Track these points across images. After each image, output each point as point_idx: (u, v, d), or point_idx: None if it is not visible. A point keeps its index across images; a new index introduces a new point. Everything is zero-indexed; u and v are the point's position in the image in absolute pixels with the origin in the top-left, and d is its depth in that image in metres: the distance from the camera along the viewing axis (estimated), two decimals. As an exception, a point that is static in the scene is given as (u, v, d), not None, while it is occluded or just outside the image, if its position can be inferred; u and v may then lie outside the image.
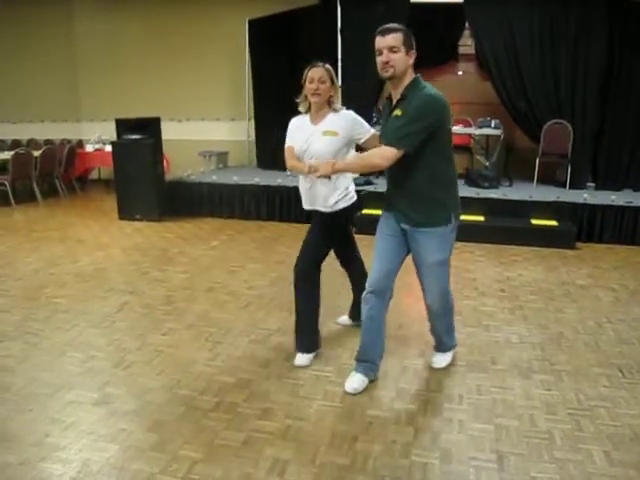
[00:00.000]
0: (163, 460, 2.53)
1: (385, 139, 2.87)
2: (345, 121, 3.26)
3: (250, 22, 8.94)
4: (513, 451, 2.58)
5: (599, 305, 4.52)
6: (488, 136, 8.22)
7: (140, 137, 7.42)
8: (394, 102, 2.85)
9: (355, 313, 3.77)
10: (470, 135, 8.54)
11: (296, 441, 2.67)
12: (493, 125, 7.76)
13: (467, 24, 8.27)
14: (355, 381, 3.13)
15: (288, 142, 3.34)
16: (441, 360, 3.44)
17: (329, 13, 7.80)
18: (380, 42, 2.77)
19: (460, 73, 9.87)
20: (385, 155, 2.76)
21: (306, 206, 3.46)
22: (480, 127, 7.92)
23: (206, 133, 10.21)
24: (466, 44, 9.15)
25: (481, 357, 3.56)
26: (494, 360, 3.52)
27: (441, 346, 3.45)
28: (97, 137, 10.03)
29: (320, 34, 7.95)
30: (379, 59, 2.78)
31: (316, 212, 3.41)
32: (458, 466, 2.48)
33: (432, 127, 2.73)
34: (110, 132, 8.41)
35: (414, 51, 2.79)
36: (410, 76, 2.79)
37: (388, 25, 2.79)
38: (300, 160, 3.27)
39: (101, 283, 5.01)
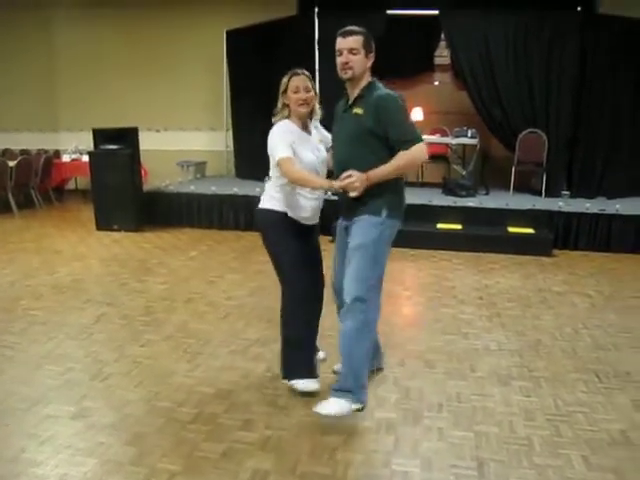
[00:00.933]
0: (141, 474, 2.50)
1: (343, 136, 2.95)
2: (319, 129, 3.24)
3: (228, 32, 8.95)
4: (493, 457, 2.60)
5: (575, 311, 4.59)
6: (465, 145, 8.32)
7: (118, 147, 7.38)
8: (351, 101, 2.92)
9: None
10: (447, 144, 8.63)
11: (276, 451, 2.66)
12: (469, 134, 7.86)
13: (443, 35, 8.39)
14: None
15: (286, 153, 2.92)
16: (327, 405, 2.83)
17: (306, 24, 7.85)
18: (341, 43, 2.85)
19: (436, 83, 10.00)
20: (422, 149, 2.78)
21: (309, 222, 3.17)
22: (457, 136, 8.02)
23: (184, 143, 10.17)
24: (442, 55, 9.28)
25: (460, 365, 3.58)
26: (473, 368, 3.54)
27: (339, 383, 2.91)
28: (74, 147, 9.93)
29: (298, 45, 7.98)
30: (339, 60, 2.85)
31: (311, 227, 3.22)
32: (439, 474, 2.49)
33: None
34: (88, 142, 8.35)
35: (373, 54, 2.88)
36: (367, 78, 2.89)
37: (349, 27, 2.87)
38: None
39: (78, 294, 4.95)
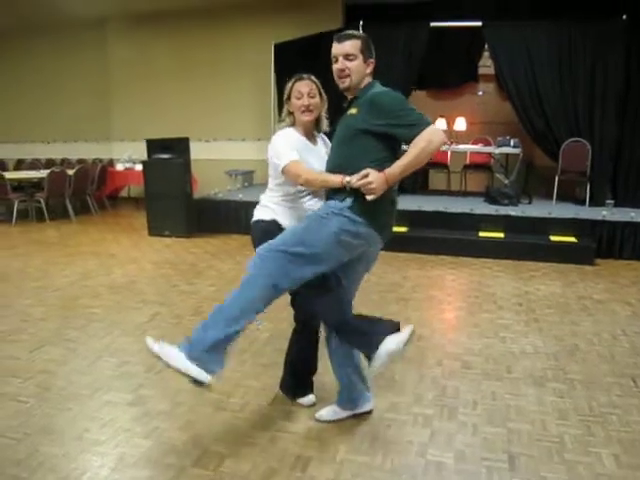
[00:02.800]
0: (194, 455, 2.71)
1: (336, 139, 2.71)
2: (327, 144, 3.00)
3: (276, 45, 9.24)
4: (524, 452, 2.72)
5: (615, 318, 4.63)
6: (507, 155, 8.36)
7: (170, 157, 7.72)
8: (348, 102, 2.72)
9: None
10: (490, 154, 8.69)
11: (318, 440, 2.83)
12: (512, 144, 7.91)
13: (486, 45, 8.48)
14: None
15: (293, 156, 2.72)
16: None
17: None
18: (336, 49, 2.63)
19: (480, 93, 10.07)
20: (435, 131, 2.46)
21: None
22: (500, 146, 8.08)
23: (232, 153, 10.50)
24: (486, 65, 9.35)
25: (496, 366, 3.69)
26: (509, 369, 3.65)
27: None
28: (127, 156, 10.39)
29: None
30: (334, 67, 2.64)
31: None
32: (471, 465, 2.63)
33: None
34: (140, 152, 8.76)
35: (373, 60, 2.66)
36: (367, 82, 2.66)
37: (346, 31, 2.67)
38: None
39: (133, 295, 5.25)
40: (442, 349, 3.96)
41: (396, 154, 2.60)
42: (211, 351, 2.56)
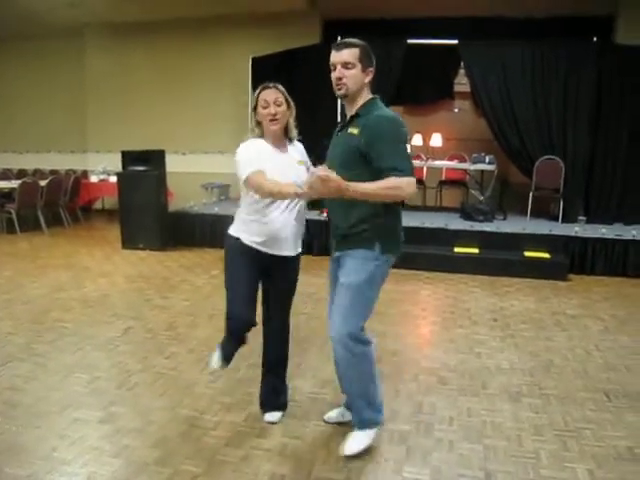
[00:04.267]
0: (165, 474, 2.65)
1: (335, 158, 2.68)
2: (303, 153, 3.01)
3: (254, 59, 9.25)
4: (500, 469, 2.70)
5: (588, 333, 4.67)
6: (483, 171, 8.45)
7: (145, 169, 7.64)
8: (347, 119, 2.69)
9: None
10: (465, 170, 8.77)
11: (292, 457, 2.79)
12: (487, 161, 8.01)
13: (462, 63, 8.60)
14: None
15: (253, 167, 2.70)
16: (352, 444, 2.81)
17: (329, 51, 8.09)
18: (334, 57, 2.61)
19: (456, 110, 10.20)
20: (412, 184, 2.51)
21: (273, 251, 2.87)
22: (475, 163, 8.16)
23: (208, 166, 10.43)
24: (461, 82, 9.47)
25: (472, 382, 3.69)
26: (485, 385, 3.65)
27: (355, 417, 2.90)
28: (102, 168, 10.26)
29: (321, 72, 8.22)
30: (332, 75, 2.63)
31: (281, 259, 2.91)
32: (447, 482, 2.61)
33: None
34: (115, 163, 8.64)
35: (372, 69, 2.64)
36: (367, 95, 2.66)
37: (345, 39, 2.64)
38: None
39: (105, 309, 5.15)
40: (417, 364, 3.95)
41: None
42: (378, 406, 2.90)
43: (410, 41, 7.70)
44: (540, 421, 3.18)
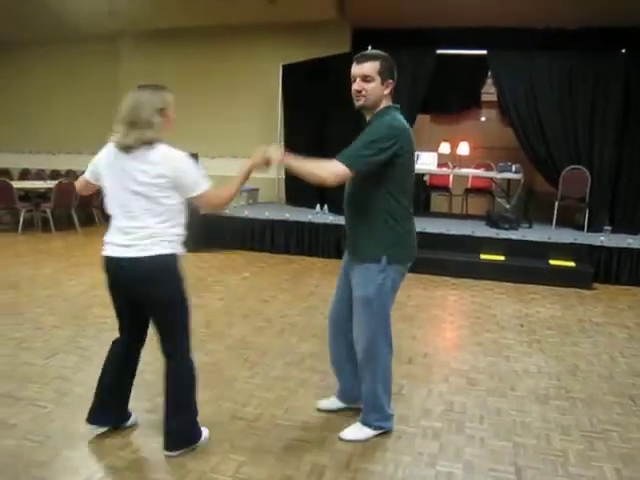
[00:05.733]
0: (212, 462, 2.81)
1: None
2: None
3: (284, 67, 9.45)
4: (530, 465, 2.84)
5: (613, 341, 4.77)
6: (509, 180, 8.55)
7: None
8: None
9: None
10: (491, 178, 8.88)
11: (332, 449, 2.94)
12: (514, 169, 8.10)
13: (490, 73, 8.72)
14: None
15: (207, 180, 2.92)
16: (350, 431, 3.04)
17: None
18: (355, 70, 2.70)
19: (483, 119, 10.29)
20: (335, 171, 2.59)
21: None
22: (501, 171, 8.26)
23: (237, 170, 10.61)
24: (489, 92, 9.58)
25: (501, 384, 3.82)
26: (513, 387, 3.78)
27: (365, 415, 3.07)
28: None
29: (350, 80, 8.42)
30: (353, 86, 2.71)
31: None
32: (479, 476, 2.74)
33: (389, 153, 2.60)
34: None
35: (392, 81, 2.71)
36: (385, 104, 2.73)
37: (367, 52, 2.73)
38: None
39: (143, 306, 5.34)
40: (448, 366, 4.09)
41: (399, 177, 2.71)
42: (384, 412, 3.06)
43: (439, 51, 7.83)
44: (567, 422, 3.30)
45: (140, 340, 3.08)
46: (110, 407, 3.04)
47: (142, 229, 2.68)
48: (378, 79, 2.68)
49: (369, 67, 2.68)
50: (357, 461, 2.84)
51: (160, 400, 3.43)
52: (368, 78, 2.67)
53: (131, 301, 2.86)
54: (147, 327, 3.01)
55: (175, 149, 2.76)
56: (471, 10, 8.26)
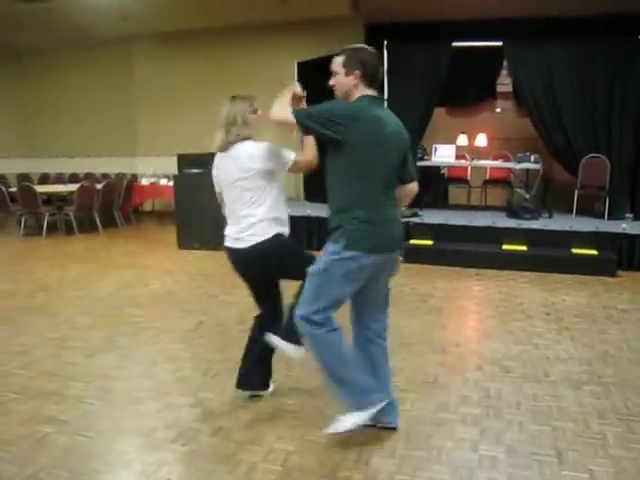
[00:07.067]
0: (261, 452, 2.90)
1: None
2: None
3: (299, 64, 9.51)
4: (570, 448, 2.90)
5: (641, 327, 4.83)
6: (527, 170, 8.57)
7: (200, 171, 7.96)
8: None
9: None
10: (510, 169, 8.91)
11: (375, 437, 3.02)
12: (532, 160, 8.13)
13: (505, 64, 8.74)
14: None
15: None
16: (333, 425, 2.94)
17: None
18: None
19: (498, 110, 10.31)
20: (277, 116, 2.87)
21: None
22: (520, 162, 8.28)
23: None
24: (504, 82, 9.60)
25: (534, 370, 3.89)
26: (546, 373, 3.84)
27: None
28: (153, 171, 10.66)
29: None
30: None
31: None
32: (522, 459, 2.81)
33: (328, 131, 2.73)
34: (164, 166, 9.00)
35: (359, 72, 2.79)
36: (359, 94, 2.83)
37: (341, 49, 2.90)
38: None
39: (174, 304, 5.47)
40: (480, 354, 4.17)
41: (360, 166, 2.77)
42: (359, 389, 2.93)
43: (455, 44, 7.87)
44: (602, 406, 3.36)
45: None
46: (253, 374, 3.42)
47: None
48: (342, 71, 2.83)
49: (335, 62, 2.88)
50: (402, 448, 2.92)
51: (202, 394, 3.56)
52: (334, 72, 2.87)
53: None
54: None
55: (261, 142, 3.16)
56: (484, 1, 8.27)
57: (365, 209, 2.78)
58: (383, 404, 2.93)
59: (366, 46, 2.93)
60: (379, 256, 2.82)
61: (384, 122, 2.81)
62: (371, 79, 2.85)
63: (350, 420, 2.90)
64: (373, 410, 2.89)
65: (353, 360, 2.98)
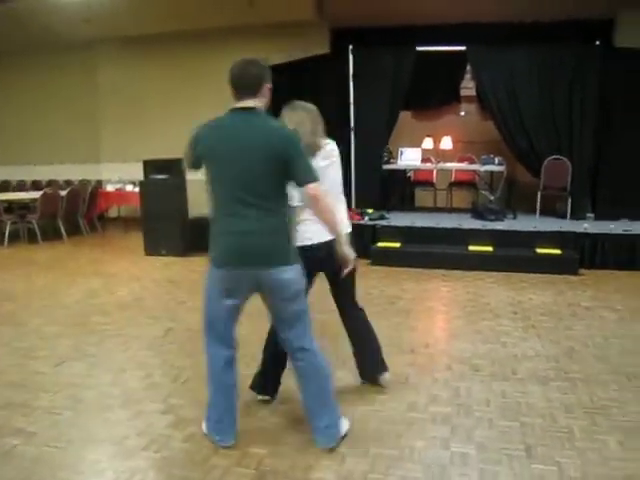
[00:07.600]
0: (235, 456, 2.90)
1: None
2: None
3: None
4: (539, 442, 2.97)
5: (604, 323, 4.95)
6: (492, 172, 8.72)
7: (166, 177, 7.91)
8: None
9: None
10: (475, 171, 9.06)
11: (348, 438, 3.03)
12: (497, 162, 8.29)
13: (468, 68, 8.89)
14: None
15: None
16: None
17: (341, 60, 8.41)
18: None
19: (462, 114, 10.48)
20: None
21: None
22: (484, 164, 8.43)
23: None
24: (467, 86, 9.77)
25: (502, 368, 3.96)
26: (514, 370, 3.92)
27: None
28: (118, 177, 10.53)
29: (330, 80, 8.57)
30: None
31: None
32: (492, 454, 2.87)
33: (191, 149, 2.93)
34: (130, 173, 8.90)
35: (230, 86, 2.84)
36: None
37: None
38: None
39: (142, 311, 5.41)
40: (449, 354, 4.22)
41: (209, 179, 2.85)
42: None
43: (419, 48, 7.98)
44: (569, 401, 3.45)
45: None
46: (269, 378, 3.53)
47: None
48: None
49: None
50: (374, 447, 2.94)
51: (173, 401, 3.53)
52: None
53: None
54: None
55: None
56: (448, 7, 8.40)
57: (218, 222, 2.80)
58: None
59: (244, 58, 2.92)
60: (232, 272, 2.80)
61: (228, 134, 2.77)
62: (235, 91, 2.82)
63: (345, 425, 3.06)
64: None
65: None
